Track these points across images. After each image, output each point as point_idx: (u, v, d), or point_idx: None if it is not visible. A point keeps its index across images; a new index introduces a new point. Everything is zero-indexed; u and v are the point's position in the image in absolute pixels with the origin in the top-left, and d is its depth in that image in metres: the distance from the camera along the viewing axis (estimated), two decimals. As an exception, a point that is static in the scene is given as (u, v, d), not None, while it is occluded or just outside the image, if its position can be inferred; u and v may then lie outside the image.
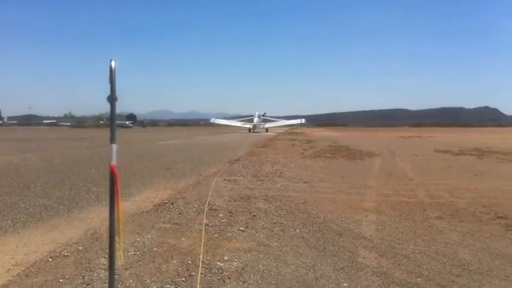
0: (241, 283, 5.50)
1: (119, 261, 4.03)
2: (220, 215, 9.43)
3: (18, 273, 5.84)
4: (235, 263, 6.26)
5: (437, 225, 8.65)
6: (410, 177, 16.10)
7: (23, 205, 10.46)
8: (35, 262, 6.32)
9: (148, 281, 5.51)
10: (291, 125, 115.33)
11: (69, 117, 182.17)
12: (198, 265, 6.07)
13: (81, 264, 6.16)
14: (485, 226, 8.60)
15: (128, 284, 5.41)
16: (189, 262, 6.27)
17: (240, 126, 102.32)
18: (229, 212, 9.66)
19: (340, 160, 23.47)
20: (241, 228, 8.27)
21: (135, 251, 6.79)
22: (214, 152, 29.94)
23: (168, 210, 9.86)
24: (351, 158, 24.82)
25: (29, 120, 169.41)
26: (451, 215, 9.57)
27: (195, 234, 7.80)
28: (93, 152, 28.39)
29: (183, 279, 5.59)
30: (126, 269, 5.93)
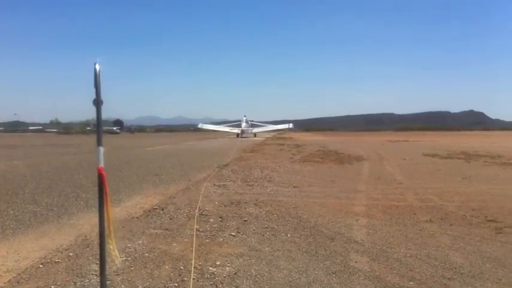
0: (234, 288, 5.50)
1: (116, 260, 4.00)
2: (211, 220, 9.41)
3: (9, 280, 5.79)
4: (227, 268, 6.25)
5: (428, 229, 8.69)
6: (399, 181, 16.17)
7: (12, 212, 10.37)
8: (26, 269, 6.26)
9: (140, 287, 5.48)
10: (279, 129, 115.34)
11: (55, 124, 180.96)
12: (190, 270, 6.05)
13: (73, 270, 6.12)
14: (475, 229, 8.66)
15: (120, 290, 5.38)
16: (181, 267, 6.25)
17: (228, 132, 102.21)
18: (220, 217, 9.63)
19: (329, 164, 23.53)
20: (233, 233, 8.25)
21: (126, 256, 6.75)
22: (203, 157, 29.87)
23: (159, 216, 9.82)
24: (340, 162, 24.89)
25: (14, 127, 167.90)
26: (441, 219, 9.62)
27: (186, 240, 7.78)
28: (80, 158, 28.23)
29: (176, 285, 5.57)
30: (117, 274, 5.90)
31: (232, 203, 11.34)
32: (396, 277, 5.92)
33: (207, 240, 7.77)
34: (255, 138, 79.20)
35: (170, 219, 9.55)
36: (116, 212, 10.29)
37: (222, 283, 5.65)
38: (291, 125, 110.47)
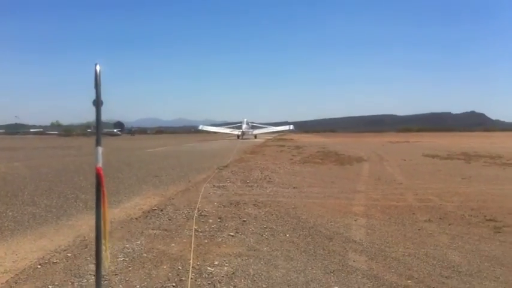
0: (232, 287, 5.49)
1: (105, 262, 4.00)
2: (210, 220, 9.41)
3: (7, 280, 5.79)
4: (225, 268, 6.24)
5: (426, 228, 8.68)
6: (399, 182, 16.17)
7: (10, 213, 10.38)
8: (24, 269, 6.26)
9: (138, 287, 5.48)
10: (280, 131, 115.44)
11: (56, 126, 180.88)
12: (188, 270, 6.05)
13: (71, 270, 6.12)
14: (474, 229, 8.65)
15: (118, 290, 5.38)
16: (179, 267, 6.25)
17: (229, 133, 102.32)
18: (219, 218, 9.63)
19: (329, 165, 23.52)
20: (232, 234, 8.25)
21: (124, 257, 6.75)
22: (203, 159, 29.88)
23: (158, 217, 9.81)
24: (340, 163, 24.88)
25: (15, 129, 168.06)
26: (440, 218, 9.61)
27: (184, 240, 7.77)
28: (81, 160, 28.22)
29: (173, 284, 5.56)
30: (115, 274, 5.90)
31: (231, 204, 11.34)
32: (394, 276, 5.92)
33: (206, 241, 7.77)
34: (256, 140, 79.26)
35: (169, 220, 9.54)
36: (115, 213, 10.31)
37: (220, 283, 5.65)
38: (291, 127, 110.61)
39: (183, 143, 64.10)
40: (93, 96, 3.89)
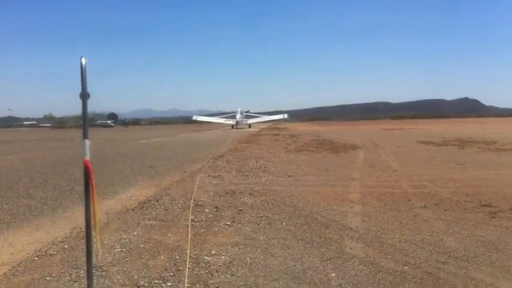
0: (229, 276, 5.50)
1: (97, 254, 4.03)
2: (206, 210, 9.41)
3: (5, 273, 5.78)
4: (222, 257, 6.26)
5: (422, 215, 8.72)
6: (394, 169, 16.21)
7: (6, 206, 10.36)
8: (21, 261, 6.26)
9: (136, 277, 5.48)
10: (274, 120, 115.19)
11: (49, 118, 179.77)
12: (186, 260, 6.06)
13: (68, 262, 6.12)
14: (469, 214, 8.69)
15: (115, 280, 5.38)
16: (177, 257, 6.26)
17: (223, 123, 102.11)
18: (215, 207, 9.63)
19: (324, 153, 23.53)
20: (228, 223, 8.26)
21: (121, 248, 6.75)
22: (198, 149, 29.85)
23: (154, 207, 9.81)
24: (335, 151, 24.90)
25: (9, 122, 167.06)
26: (435, 204, 9.66)
27: (181, 230, 7.78)
28: (74, 152, 28.07)
29: (171, 274, 5.57)
30: (113, 265, 5.90)
31: (227, 193, 11.34)
32: (391, 262, 5.95)
33: (202, 230, 7.78)
34: (250, 129, 79.09)
35: (165, 210, 9.54)
36: (110, 204, 10.33)
37: (217, 271, 5.66)
38: (285, 116, 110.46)
39: (177, 134, 63.96)
40: (80, 89, 3.93)
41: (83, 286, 5.14)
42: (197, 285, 5.25)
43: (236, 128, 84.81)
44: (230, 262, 6.03)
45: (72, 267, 5.86)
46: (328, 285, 5.21)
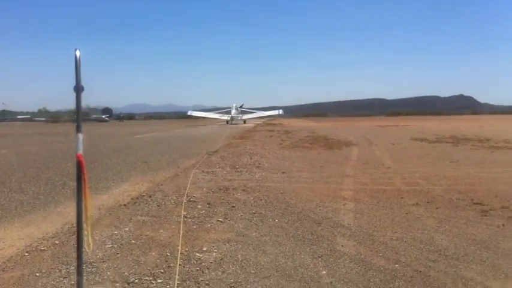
0: (220, 273, 5.50)
1: (88, 248, 4.00)
2: (199, 206, 9.40)
3: (-6, 268, 5.76)
4: (214, 254, 6.25)
5: (414, 212, 8.74)
6: (387, 166, 16.23)
7: (-3, 201, 10.32)
8: (11, 257, 6.24)
9: (126, 273, 5.47)
10: (269, 116, 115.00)
11: (43, 112, 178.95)
12: (177, 256, 6.05)
13: (58, 258, 6.10)
14: (461, 212, 8.71)
15: (106, 277, 5.37)
16: (168, 254, 6.25)
17: (218, 118, 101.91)
18: (208, 204, 9.62)
19: (318, 150, 23.55)
20: (220, 219, 8.25)
21: (112, 243, 6.74)
22: (192, 144, 29.79)
23: (146, 203, 9.79)
24: (329, 147, 24.91)
25: (3, 116, 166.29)
26: (427, 202, 9.68)
27: (173, 226, 7.77)
28: (68, 146, 27.95)
29: (162, 271, 5.56)
30: (103, 261, 5.89)
31: (220, 189, 11.33)
32: (382, 260, 5.95)
33: (194, 227, 7.77)
34: (245, 125, 79.05)
35: (158, 206, 9.53)
36: (103, 199, 10.30)
37: (208, 268, 5.66)
38: (281, 111, 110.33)
39: (172, 129, 63.86)
40: (74, 82, 3.89)
41: (73, 282, 5.11)
42: (188, 282, 5.24)
43: (231, 124, 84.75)
44: (221, 259, 6.03)
45: (63, 263, 5.84)
46: (319, 283, 5.22)
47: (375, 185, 12.00)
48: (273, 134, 41.30)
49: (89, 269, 5.53)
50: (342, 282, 5.23)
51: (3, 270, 5.68)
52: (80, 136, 3.93)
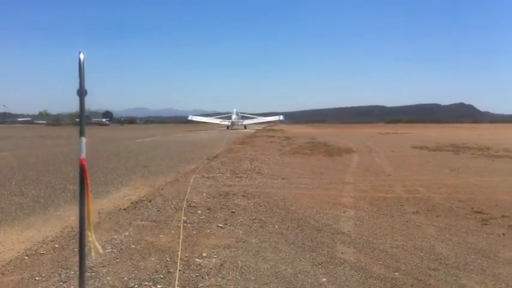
0: (219, 279, 5.49)
1: (96, 252, 3.98)
2: (199, 211, 9.39)
3: (-6, 272, 5.75)
4: (214, 260, 6.24)
5: (414, 220, 8.73)
6: (387, 173, 16.22)
7: (-3, 203, 10.31)
8: (11, 260, 6.22)
9: (126, 278, 5.45)
10: (270, 122, 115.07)
11: (44, 115, 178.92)
12: (177, 262, 6.03)
13: (58, 262, 6.09)
14: (461, 221, 8.70)
15: (105, 282, 5.35)
16: (168, 259, 6.24)
17: (218, 124, 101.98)
18: (208, 209, 9.62)
19: (319, 156, 23.55)
20: (220, 225, 8.25)
21: (112, 248, 6.72)
22: (193, 149, 29.77)
23: (146, 208, 9.78)
24: (329, 154, 24.92)
25: (3, 119, 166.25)
26: (428, 210, 9.67)
27: (173, 231, 7.76)
28: (69, 149, 27.98)
29: (161, 276, 5.55)
30: (103, 266, 5.88)
31: (220, 195, 11.32)
32: (382, 268, 5.94)
33: (194, 232, 7.76)
34: (245, 130, 79.05)
35: (158, 211, 9.52)
36: (103, 203, 10.29)
37: (208, 274, 5.65)
38: (281, 117, 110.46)
39: (172, 133, 63.86)
40: (78, 86, 3.88)
41: (73, 287, 5.12)
42: (187, 287, 5.23)
43: (231, 129, 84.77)
44: (221, 265, 6.02)
45: (62, 267, 5.83)
46: (319, 290, 5.21)
47: (375, 192, 11.99)
48: (273, 140, 41.31)
49: (89, 274, 5.50)
50: (341, 289, 5.22)
51: (3, 274, 5.67)
52: (83, 140, 3.92)
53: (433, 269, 5.89)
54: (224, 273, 5.69)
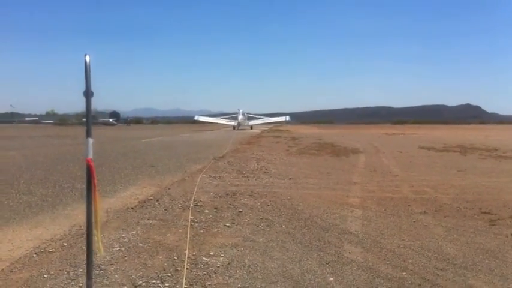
0: (227, 278, 5.50)
1: (99, 253, 4.02)
2: (206, 211, 9.41)
3: (3, 269, 5.79)
4: (221, 258, 6.25)
5: (422, 221, 8.71)
6: (395, 174, 16.19)
7: (6, 202, 10.37)
8: (20, 258, 6.27)
9: (134, 277, 5.47)
10: (276, 122, 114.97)
11: (51, 115, 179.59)
12: (184, 260, 6.05)
13: (66, 260, 6.12)
14: (469, 221, 8.68)
15: (113, 280, 5.38)
16: (175, 257, 6.25)
17: (225, 124, 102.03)
18: (215, 208, 9.63)
19: (325, 157, 23.53)
20: (227, 224, 8.25)
21: (120, 247, 6.75)
22: (199, 149, 29.80)
23: (154, 207, 9.81)
24: (336, 154, 24.89)
25: (11, 118, 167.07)
26: (435, 211, 9.64)
27: (180, 230, 7.78)
28: (76, 149, 28.08)
29: (169, 275, 5.57)
30: (111, 264, 5.90)
31: (227, 194, 11.33)
32: (389, 267, 5.94)
33: (202, 231, 7.78)
34: (252, 131, 79.02)
35: (165, 210, 9.54)
36: (110, 202, 10.33)
37: (215, 273, 5.66)
38: (287, 118, 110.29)
39: (179, 134, 63.96)
40: (84, 87, 3.92)
41: (81, 285, 5.14)
42: (195, 286, 5.25)
43: (238, 129, 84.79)
44: (228, 264, 6.03)
45: (70, 265, 5.86)
46: (326, 290, 5.21)
47: (382, 192, 11.98)
48: (279, 140, 41.28)
49: (97, 272, 5.54)
50: (349, 289, 5.23)
51: (12, 271, 5.71)
52: (90, 141, 3.95)
53: (441, 269, 5.88)
54: (231, 272, 5.70)
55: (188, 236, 7.30)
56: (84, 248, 6.50)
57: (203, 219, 8.62)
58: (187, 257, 6.21)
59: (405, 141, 42.77)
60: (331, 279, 5.52)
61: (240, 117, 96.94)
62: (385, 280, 5.49)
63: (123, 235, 7.42)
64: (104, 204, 9.73)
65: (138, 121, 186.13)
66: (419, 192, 12.03)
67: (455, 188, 12.76)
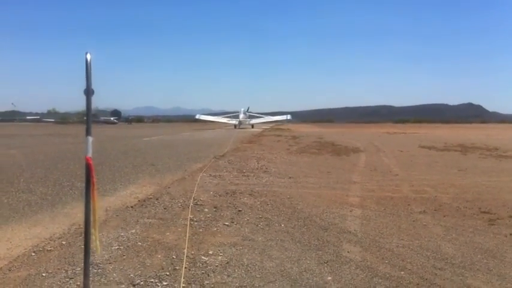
0: (225, 277, 5.51)
1: (96, 252, 4.02)
2: (206, 210, 9.41)
3: (1, 268, 5.80)
4: (220, 257, 6.26)
5: (421, 220, 8.71)
6: (395, 173, 16.18)
7: (5, 200, 10.38)
8: (18, 256, 6.28)
9: (132, 275, 5.48)
10: (277, 121, 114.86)
11: (52, 114, 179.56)
12: (183, 259, 6.06)
13: (65, 258, 6.13)
14: (468, 221, 8.68)
15: (111, 278, 5.39)
16: (174, 256, 6.26)
17: (226, 123, 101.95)
18: (215, 207, 9.64)
19: (326, 156, 23.52)
20: (227, 223, 8.26)
21: (119, 245, 6.76)
22: (200, 148, 29.78)
23: (153, 206, 9.81)
24: (336, 153, 24.88)
25: (12, 117, 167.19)
26: (435, 210, 9.64)
27: (180, 229, 7.78)
28: (77, 148, 28.07)
29: (167, 273, 5.58)
30: (110, 263, 5.91)
31: (227, 193, 11.34)
32: (387, 267, 5.94)
33: (201, 230, 7.78)
34: (253, 130, 78.94)
35: (164, 208, 9.54)
36: (110, 201, 10.34)
37: (213, 272, 5.67)
38: (288, 117, 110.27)
39: (180, 132, 63.93)
40: (85, 85, 3.92)
41: (79, 283, 5.14)
42: (193, 285, 5.26)
43: (239, 128, 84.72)
44: (227, 263, 6.04)
45: (69, 264, 5.87)
46: (324, 289, 5.21)
47: (382, 192, 11.98)
48: (280, 139, 41.24)
49: (95, 270, 5.55)
50: (347, 288, 5.23)
51: (10, 270, 5.72)
52: (90, 139, 3.95)
53: (439, 268, 5.88)
54: (230, 271, 5.71)
55: (187, 235, 7.30)
56: (83, 246, 6.54)
57: (202, 218, 8.62)
58: (186, 256, 6.22)
59: (406, 140, 42.71)
60: (329, 278, 5.53)
61: (241, 116, 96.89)
62: (383, 279, 5.49)
63: (122, 234, 7.43)
64: (103, 203, 9.75)
65: (139, 120, 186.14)
66: (419, 191, 12.03)
67: (455, 187, 12.76)
